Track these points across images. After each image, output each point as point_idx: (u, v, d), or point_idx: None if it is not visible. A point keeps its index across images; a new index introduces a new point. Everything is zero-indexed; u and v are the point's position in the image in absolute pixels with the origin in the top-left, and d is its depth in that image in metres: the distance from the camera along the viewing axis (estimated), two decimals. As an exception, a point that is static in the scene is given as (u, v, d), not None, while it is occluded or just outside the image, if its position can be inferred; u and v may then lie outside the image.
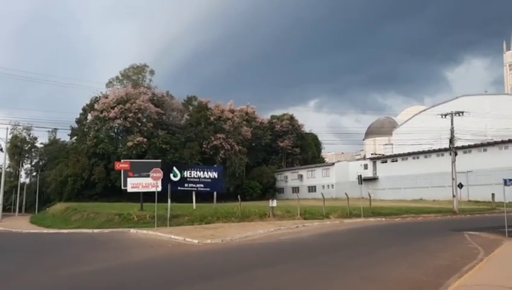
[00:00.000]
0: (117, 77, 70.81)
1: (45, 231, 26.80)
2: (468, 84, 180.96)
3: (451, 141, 37.78)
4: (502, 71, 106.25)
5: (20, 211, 63.30)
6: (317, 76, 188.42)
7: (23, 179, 74.93)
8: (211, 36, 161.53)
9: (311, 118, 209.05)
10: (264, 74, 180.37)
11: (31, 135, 70.38)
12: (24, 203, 66.81)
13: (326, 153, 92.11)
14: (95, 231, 23.23)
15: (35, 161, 75.35)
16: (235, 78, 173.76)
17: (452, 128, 37.73)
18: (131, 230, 22.13)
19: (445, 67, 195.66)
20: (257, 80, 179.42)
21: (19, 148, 68.80)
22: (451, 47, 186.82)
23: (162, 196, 24.91)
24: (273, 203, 26.69)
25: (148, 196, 28.02)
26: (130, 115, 59.63)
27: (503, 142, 47.66)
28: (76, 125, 67.18)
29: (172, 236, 18.64)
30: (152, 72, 72.15)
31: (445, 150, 46.24)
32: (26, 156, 73.02)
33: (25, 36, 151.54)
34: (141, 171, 27.92)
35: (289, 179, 74.26)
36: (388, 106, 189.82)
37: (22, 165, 72.48)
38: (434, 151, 53.58)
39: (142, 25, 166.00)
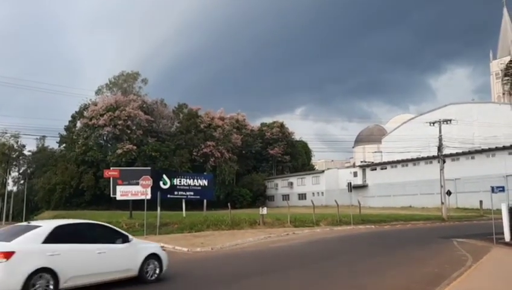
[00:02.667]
0: (106, 84, 70.47)
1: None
2: (452, 93, 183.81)
3: (439, 148, 38.15)
4: (484, 80, 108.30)
5: (7, 219, 62.26)
6: (303, 85, 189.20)
7: (11, 187, 74.01)
8: (194, 44, 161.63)
9: (298, 125, 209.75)
10: (249, 82, 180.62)
11: (18, 143, 69.68)
12: (11, 211, 65.82)
13: (316, 160, 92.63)
14: (83, 239, 22.93)
15: (23, 168, 74.50)
16: (219, 87, 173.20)
17: (440, 136, 38.10)
18: (120, 238, 21.88)
19: (429, 76, 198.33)
20: (242, 88, 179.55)
21: (6, 155, 67.94)
22: (434, 56, 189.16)
23: (151, 204, 24.65)
24: (263, 210, 26.67)
25: (137, 204, 27.81)
26: (119, 122, 59.28)
27: (490, 150, 48.24)
28: (65, 133, 66.60)
29: (162, 244, 18.46)
30: (145, 81, 72.03)
31: (434, 157, 46.64)
32: (14, 163, 72.15)
33: (12, 43, 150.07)
34: (130, 179, 27.72)
35: (279, 186, 74.31)
36: (374, 113, 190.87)
37: (10, 173, 71.55)
38: (423, 159, 54.04)
39: (125, 35, 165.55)
